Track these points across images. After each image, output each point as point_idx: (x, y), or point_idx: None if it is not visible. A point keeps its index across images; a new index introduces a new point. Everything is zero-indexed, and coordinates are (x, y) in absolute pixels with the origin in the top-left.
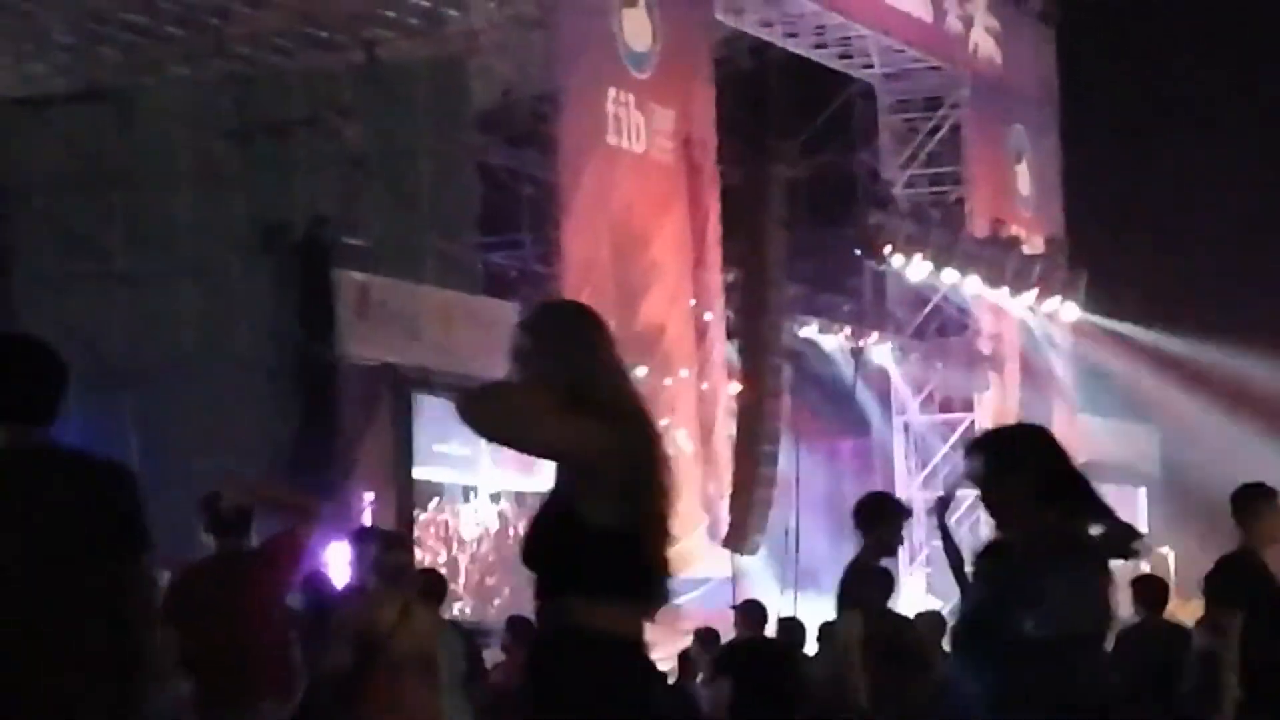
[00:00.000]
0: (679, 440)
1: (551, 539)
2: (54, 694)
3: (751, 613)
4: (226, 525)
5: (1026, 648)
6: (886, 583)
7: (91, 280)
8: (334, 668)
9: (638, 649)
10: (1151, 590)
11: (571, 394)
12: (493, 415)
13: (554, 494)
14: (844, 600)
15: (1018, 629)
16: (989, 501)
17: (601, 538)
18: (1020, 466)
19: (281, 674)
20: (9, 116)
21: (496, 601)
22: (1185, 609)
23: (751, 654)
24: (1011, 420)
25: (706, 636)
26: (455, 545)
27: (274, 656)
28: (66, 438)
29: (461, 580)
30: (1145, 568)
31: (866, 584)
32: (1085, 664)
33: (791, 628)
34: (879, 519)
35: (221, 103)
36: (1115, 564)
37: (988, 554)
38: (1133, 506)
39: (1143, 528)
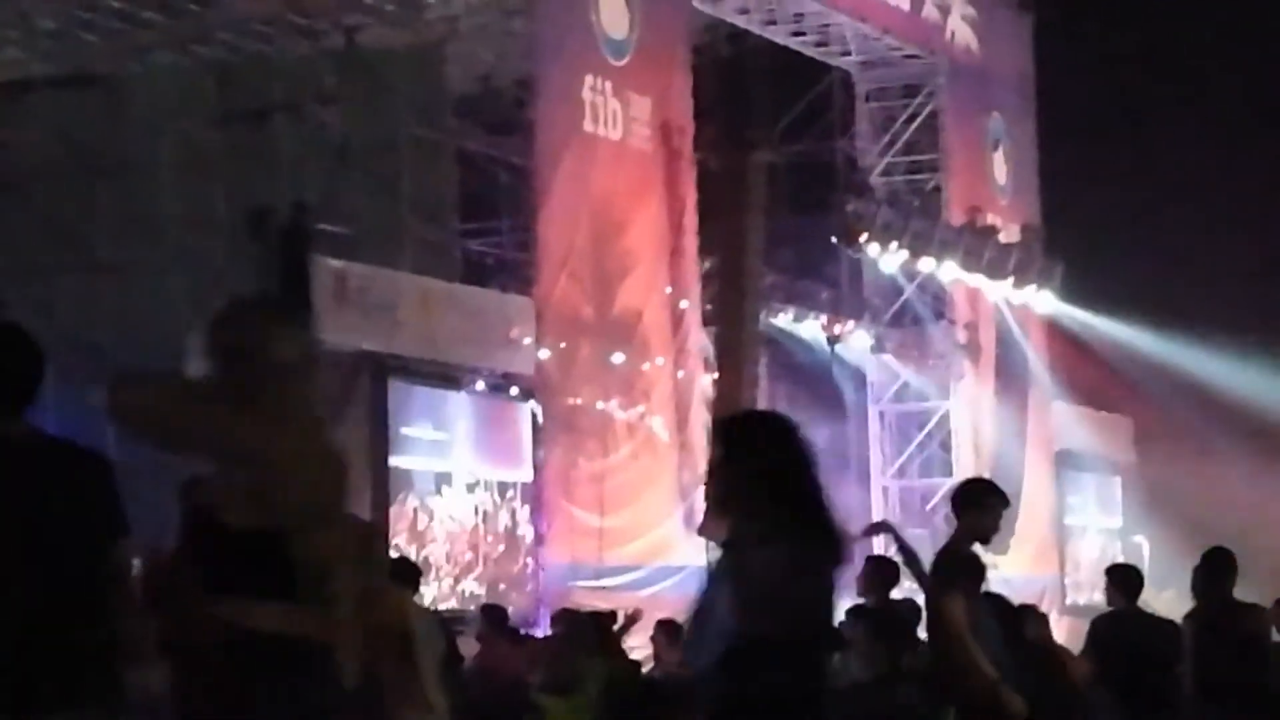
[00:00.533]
0: (655, 428)
1: (199, 538)
2: (34, 680)
3: None
4: None
5: (735, 645)
6: (978, 568)
7: (73, 267)
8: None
9: (295, 647)
10: (1126, 578)
11: (235, 392)
12: (136, 404)
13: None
14: (940, 585)
15: (725, 626)
16: (708, 489)
17: (241, 537)
18: (745, 456)
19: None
20: None
21: (471, 590)
22: (1159, 599)
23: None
24: (986, 410)
25: (669, 626)
26: (429, 535)
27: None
28: (45, 426)
29: (435, 569)
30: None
31: (959, 569)
32: (779, 665)
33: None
34: (973, 504)
35: (204, 89)
36: None
37: (725, 548)
38: (1110, 495)
39: (1118, 517)
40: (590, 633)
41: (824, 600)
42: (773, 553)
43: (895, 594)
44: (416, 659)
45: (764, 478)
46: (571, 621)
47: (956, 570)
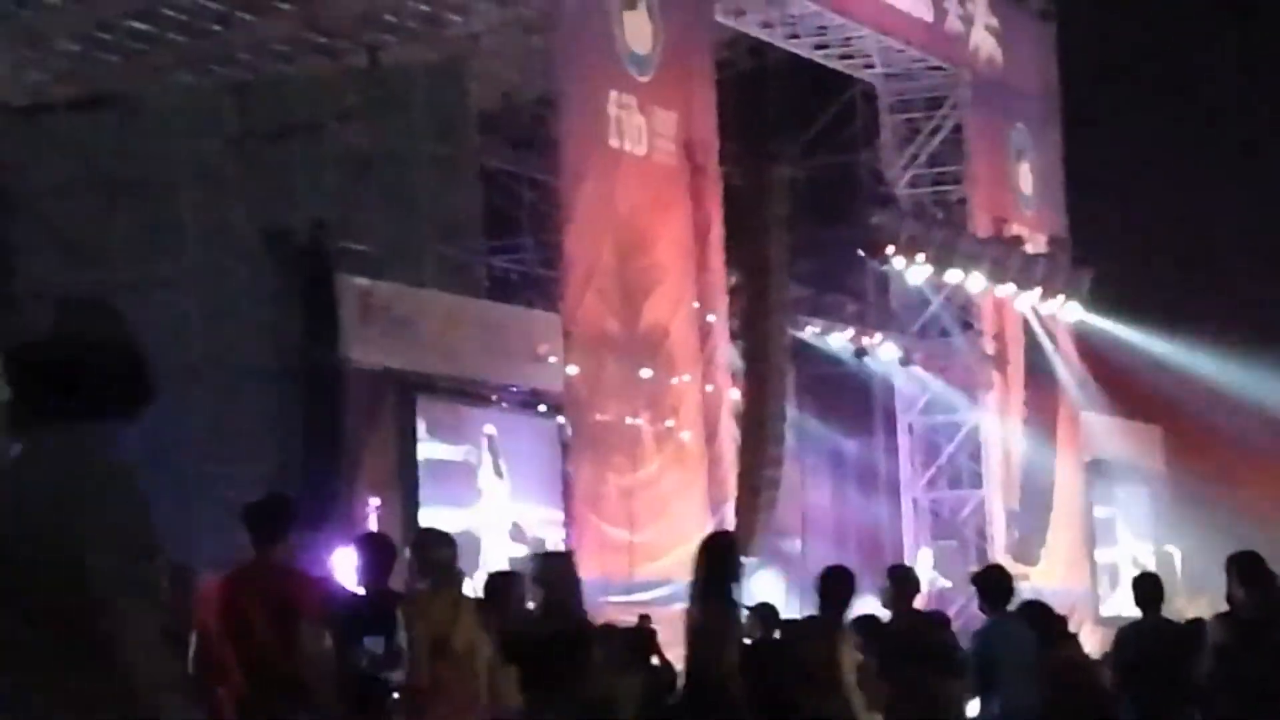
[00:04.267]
0: (684, 442)
1: None
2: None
3: (764, 614)
4: (266, 534)
5: None
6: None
7: (94, 287)
8: (414, 683)
9: None
10: (1147, 588)
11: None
12: None
13: None
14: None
15: None
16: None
17: None
18: None
19: (321, 682)
20: (11, 124)
21: None
22: (1192, 605)
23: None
24: (1015, 421)
25: None
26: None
27: (313, 664)
28: None
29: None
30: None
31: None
32: None
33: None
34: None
35: (224, 108)
36: None
37: None
38: (1141, 504)
39: (1149, 527)
40: (628, 648)
41: None
42: None
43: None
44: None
45: None
46: (609, 636)
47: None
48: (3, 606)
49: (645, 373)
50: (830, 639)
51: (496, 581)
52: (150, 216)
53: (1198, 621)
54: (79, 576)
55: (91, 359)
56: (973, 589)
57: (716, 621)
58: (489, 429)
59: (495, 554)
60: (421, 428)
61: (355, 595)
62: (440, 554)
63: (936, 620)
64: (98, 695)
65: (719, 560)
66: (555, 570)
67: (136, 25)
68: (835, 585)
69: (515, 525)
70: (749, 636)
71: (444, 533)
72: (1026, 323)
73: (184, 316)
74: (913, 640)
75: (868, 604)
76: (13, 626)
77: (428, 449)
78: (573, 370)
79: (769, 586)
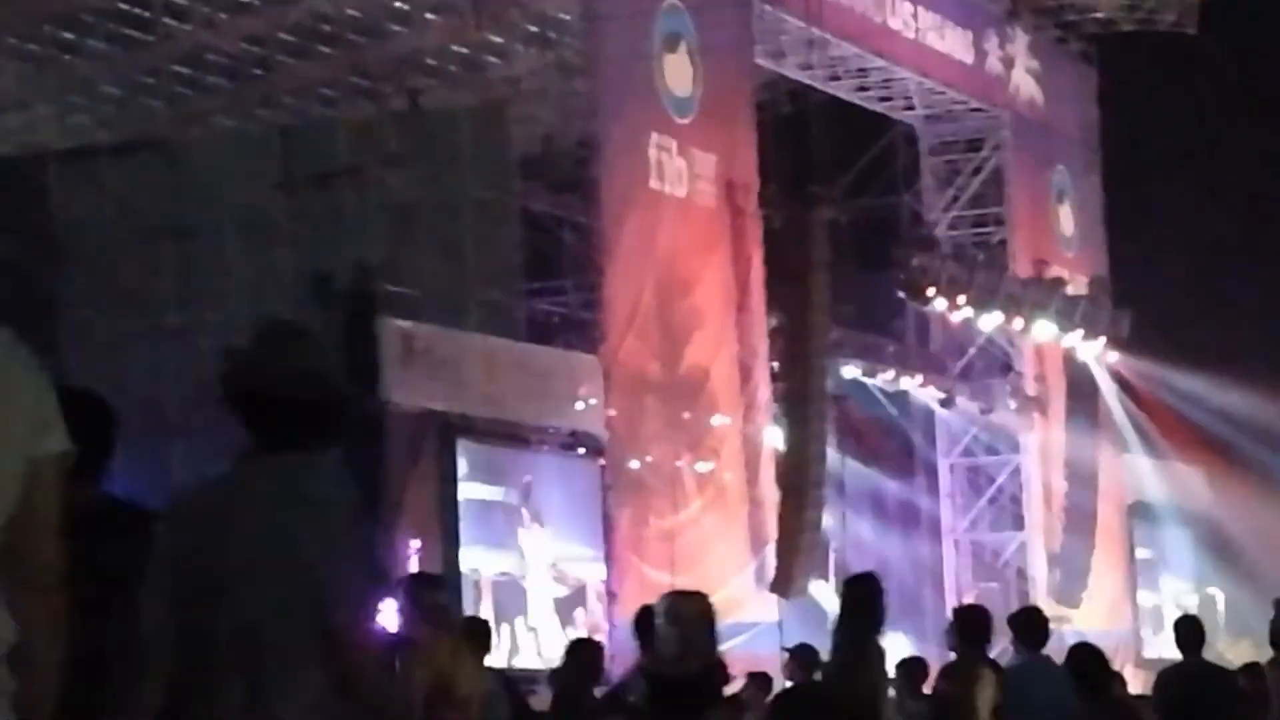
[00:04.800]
0: (725, 484)
1: None
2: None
3: (804, 656)
4: None
5: None
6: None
7: (140, 332)
8: None
9: None
10: (1189, 630)
11: None
12: None
13: None
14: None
15: None
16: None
17: None
18: None
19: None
20: (56, 169)
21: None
22: (1235, 649)
23: (804, 699)
24: (1057, 462)
25: (760, 680)
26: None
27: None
28: (110, 488)
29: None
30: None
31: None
32: None
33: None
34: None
35: (268, 153)
36: None
37: None
38: (1183, 546)
39: (1191, 568)
40: None
41: None
42: None
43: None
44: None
45: None
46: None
47: None
48: (243, 608)
49: (686, 415)
50: (970, 679)
51: (579, 650)
52: (194, 260)
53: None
54: (317, 588)
55: (314, 394)
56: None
57: (859, 665)
58: (526, 478)
59: (537, 595)
60: (462, 468)
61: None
62: (436, 598)
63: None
64: (325, 692)
65: (861, 602)
66: (688, 610)
67: (180, 70)
68: (972, 624)
69: (555, 566)
70: (790, 679)
71: (436, 576)
72: (1068, 363)
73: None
74: None
75: (903, 644)
76: (251, 628)
77: (468, 489)
78: (613, 412)
79: (804, 629)
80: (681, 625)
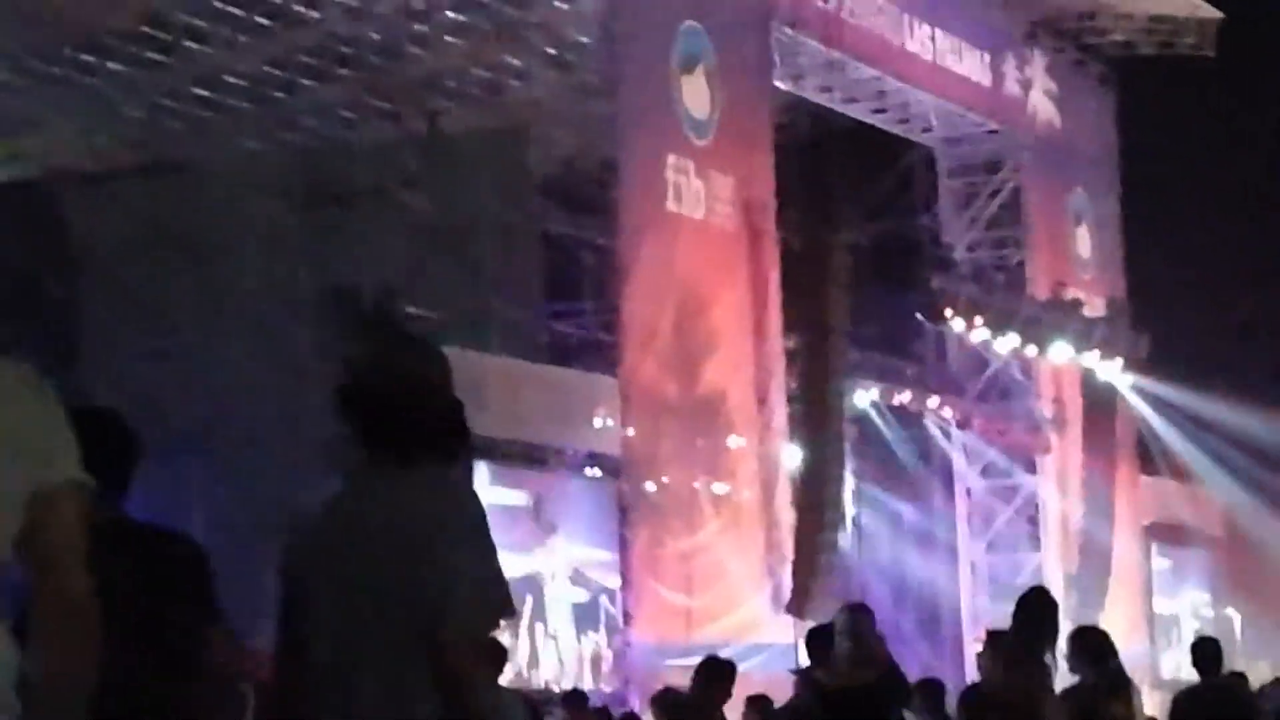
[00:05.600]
0: (741, 506)
1: None
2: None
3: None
4: None
5: None
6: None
7: (159, 352)
8: None
9: None
10: (1206, 651)
11: None
12: None
13: None
14: None
15: None
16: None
17: None
18: None
19: None
20: (77, 190)
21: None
22: (1251, 670)
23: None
24: (1074, 484)
25: (759, 703)
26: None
27: None
28: (130, 507)
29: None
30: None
31: None
32: None
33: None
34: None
35: (288, 174)
36: None
37: None
38: (1200, 567)
39: (1208, 590)
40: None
41: None
42: None
43: None
44: None
45: None
46: (673, 706)
47: None
48: (371, 617)
49: (702, 437)
50: (1127, 695)
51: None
52: (216, 282)
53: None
54: (444, 599)
55: (432, 401)
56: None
57: (1030, 683)
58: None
59: (557, 598)
60: (484, 475)
61: None
62: None
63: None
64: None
65: (1035, 618)
66: (863, 623)
67: (201, 92)
68: (1094, 643)
69: (576, 570)
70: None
71: None
72: (1085, 385)
73: (249, 382)
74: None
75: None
76: (376, 637)
77: (489, 494)
78: (630, 434)
79: None
80: (855, 638)
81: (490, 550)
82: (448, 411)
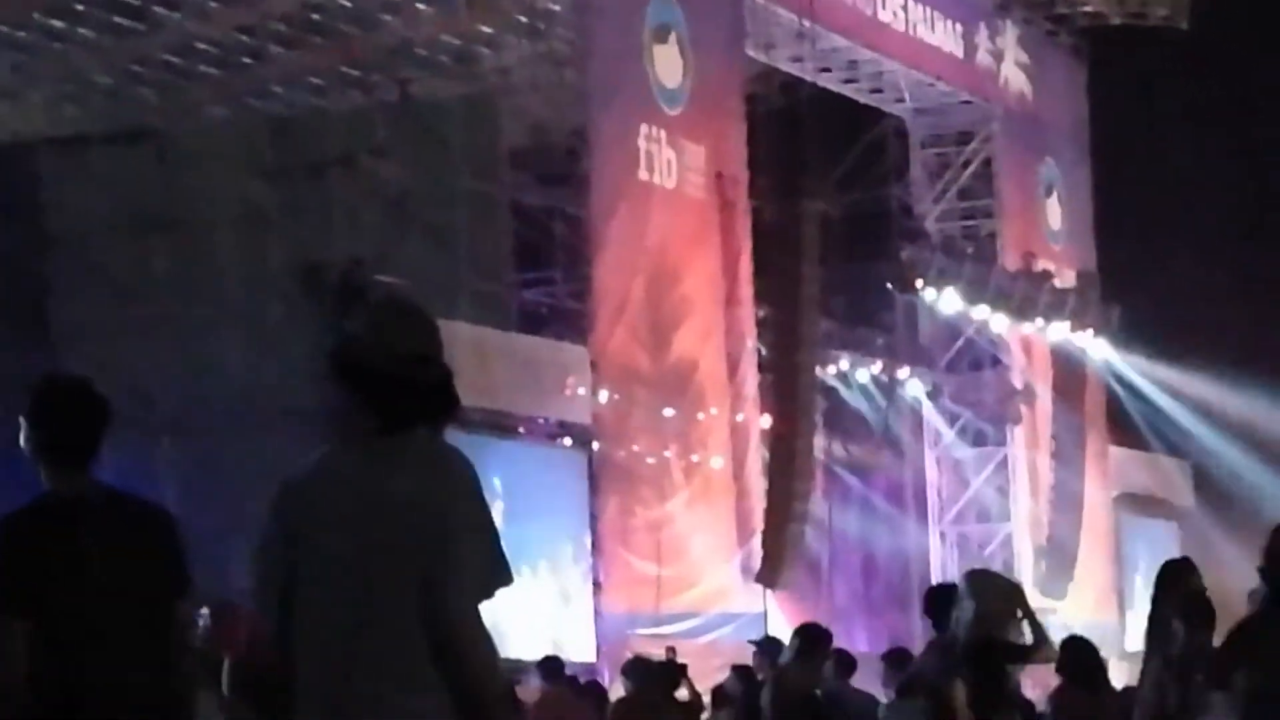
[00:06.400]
0: (711, 476)
1: None
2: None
3: (771, 649)
4: None
5: None
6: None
7: (130, 323)
8: None
9: None
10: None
11: None
12: None
13: None
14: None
15: None
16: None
17: None
18: None
19: None
20: (47, 159)
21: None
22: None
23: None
24: (1043, 455)
25: (743, 673)
26: None
27: None
28: (103, 480)
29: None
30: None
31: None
32: None
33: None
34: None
35: (258, 143)
36: None
37: None
38: (1169, 539)
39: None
40: (662, 683)
41: None
42: None
43: None
44: None
45: None
46: (645, 673)
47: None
48: (370, 584)
49: (673, 406)
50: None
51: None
52: (186, 251)
53: None
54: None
55: (427, 372)
56: None
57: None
58: (517, 461)
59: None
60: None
61: None
62: None
63: None
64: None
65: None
66: (983, 583)
67: (171, 60)
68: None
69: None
70: (759, 671)
71: None
72: (1055, 356)
73: (220, 354)
74: None
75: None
76: (374, 605)
77: None
78: (601, 403)
79: (791, 620)
80: (978, 598)
81: (486, 517)
82: (440, 380)
